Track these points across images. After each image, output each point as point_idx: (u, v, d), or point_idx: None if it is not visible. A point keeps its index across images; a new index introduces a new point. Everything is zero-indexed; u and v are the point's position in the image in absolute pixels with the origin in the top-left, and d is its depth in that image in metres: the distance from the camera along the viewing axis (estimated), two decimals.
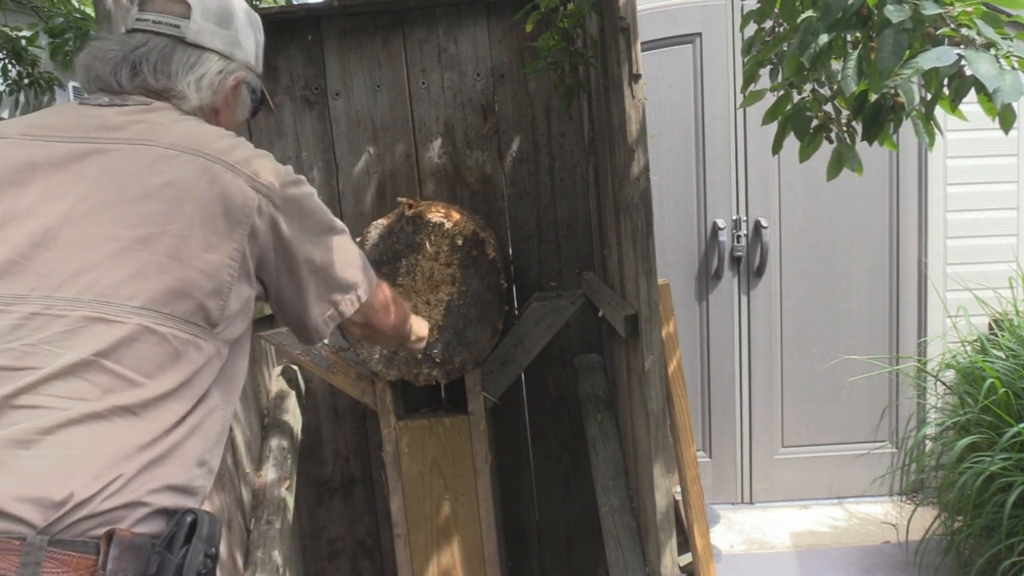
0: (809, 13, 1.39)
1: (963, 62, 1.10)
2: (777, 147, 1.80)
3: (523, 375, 2.71)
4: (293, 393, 2.61)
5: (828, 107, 1.77)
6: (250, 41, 1.38)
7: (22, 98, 4.12)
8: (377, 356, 2.35)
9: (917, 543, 3.14)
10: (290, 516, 2.36)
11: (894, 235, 3.66)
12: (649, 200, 1.87)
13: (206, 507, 1.13)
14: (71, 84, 4.49)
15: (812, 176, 3.52)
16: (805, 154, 1.76)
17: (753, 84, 1.93)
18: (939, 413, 3.48)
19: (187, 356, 1.09)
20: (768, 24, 1.87)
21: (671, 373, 2.27)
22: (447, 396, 2.58)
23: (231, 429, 2.17)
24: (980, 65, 1.03)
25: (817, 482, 3.81)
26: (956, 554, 3.02)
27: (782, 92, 1.77)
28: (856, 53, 1.28)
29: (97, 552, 0.95)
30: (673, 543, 1.97)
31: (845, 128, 1.75)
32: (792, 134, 1.74)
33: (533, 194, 2.64)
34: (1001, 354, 3.25)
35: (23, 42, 3.96)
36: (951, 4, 1.15)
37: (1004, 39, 1.13)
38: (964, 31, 1.12)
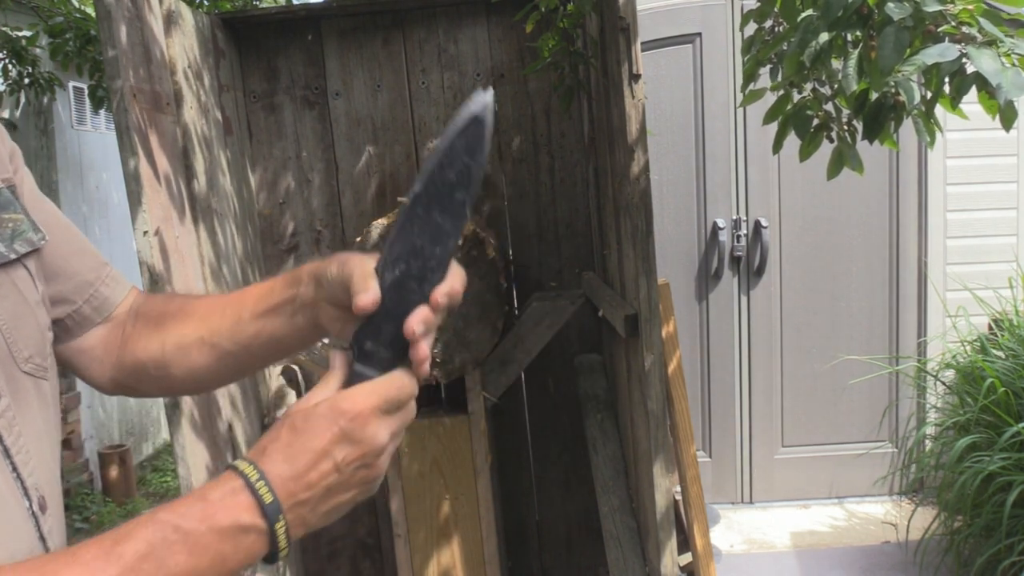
0: (809, 12, 1.40)
1: (964, 59, 1.10)
2: (778, 147, 1.80)
3: (523, 375, 2.70)
4: (293, 392, 2.61)
5: (829, 106, 1.77)
6: None
7: (22, 98, 4.11)
8: None
9: (917, 543, 3.14)
10: None
11: (894, 235, 3.66)
12: (649, 200, 1.87)
13: None
14: (71, 84, 4.47)
15: (812, 176, 3.52)
16: (806, 153, 1.76)
17: (753, 83, 1.93)
18: (939, 413, 3.48)
19: None
20: (768, 24, 1.87)
21: (671, 373, 2.27)
22: (447, 396, 2.58)
23: (231, 427, 2.17)
24: (983, 61, 1.03)
25: (817, 482, 3.81)
26: (956, 554, 3.02)
27: (782, 92, 1.77)
28: (857, 52, 1.28)
29: None
30: (673, 543, 1.97)
31: (846, 127, 1.75)
32: (792, 133, 1.74)
33: (533, 194, 2.64)
34: (1001, 354, 3.25)
35: (23, 42, 3.95)
36: (952, 2, 1.15)
37: (1006, 36, 1.13)
38: (965, 29, 1.12)
